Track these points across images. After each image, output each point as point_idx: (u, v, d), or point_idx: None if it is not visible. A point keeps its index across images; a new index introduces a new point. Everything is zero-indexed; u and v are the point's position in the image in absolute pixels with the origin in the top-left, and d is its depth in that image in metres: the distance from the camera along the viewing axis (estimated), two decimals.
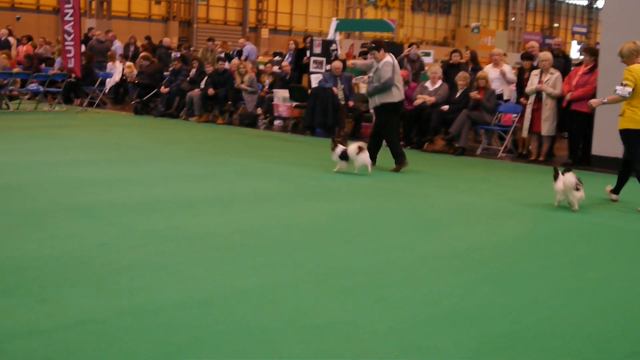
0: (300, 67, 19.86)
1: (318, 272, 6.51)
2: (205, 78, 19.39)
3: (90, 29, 27.36)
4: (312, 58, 18.96)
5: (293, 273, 6.44)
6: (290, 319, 5.33)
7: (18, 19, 53.38)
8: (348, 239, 7.88)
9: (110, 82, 22.84)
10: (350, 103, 17.34)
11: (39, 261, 6.40)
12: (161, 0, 60.23)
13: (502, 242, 8.08)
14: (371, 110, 14.26)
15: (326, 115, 17.04)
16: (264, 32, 58.77)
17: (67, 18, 21.00)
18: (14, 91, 20.34)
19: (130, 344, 4.77)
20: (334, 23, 22.22)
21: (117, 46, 26.48)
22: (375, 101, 12.71)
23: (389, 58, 12.59)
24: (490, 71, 16.09)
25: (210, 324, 5.16)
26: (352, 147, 11.84)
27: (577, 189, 9.70)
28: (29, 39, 27.09)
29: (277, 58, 24.62)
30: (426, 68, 18.94)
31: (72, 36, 20.96)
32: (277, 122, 18.88)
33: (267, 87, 19.38)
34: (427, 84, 16.23)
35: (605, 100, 10.54)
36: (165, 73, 21.16)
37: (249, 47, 23.66)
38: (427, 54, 25.86)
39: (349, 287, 6.11)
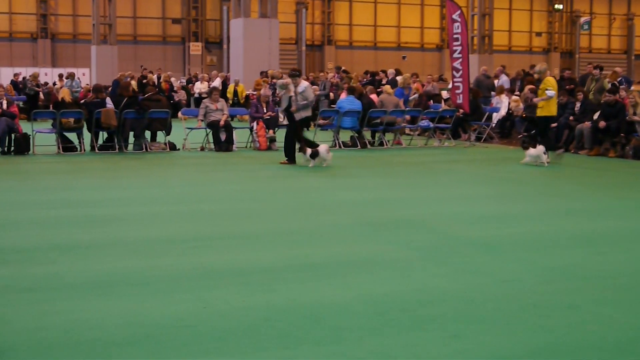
0: None
1: None
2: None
3: (483, 69, 27.63)
4: None
5: None
6: None
7: (404, 57, 55.89)
8: None
9: (497, 117, 23.02)
10: None
11: (447, 295, 6.50)
12: (542, 32, 59.81)
13: None
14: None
15: None
16: None
17: (455, 55, 21.50)
18: (406, 128, 21.20)
19: None
20: None
21: (504, 80, 26.61)
22: (301, 114, 16.26)
23: (307, 83, 17.10)
24: None
25: None
26: (323, 147, 15.81)
27: (545, 153, 15.77)
28: (416, 76, 28.18)
29: None
30: None
31: (460, 73, 21.41)
32: None
33: None
34: None
35: (545, 98, 16.28)
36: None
37: None
38: None
39: None
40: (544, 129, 16.88)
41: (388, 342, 5.40)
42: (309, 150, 15.66)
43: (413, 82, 26.05)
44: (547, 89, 16.22)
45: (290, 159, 16.26)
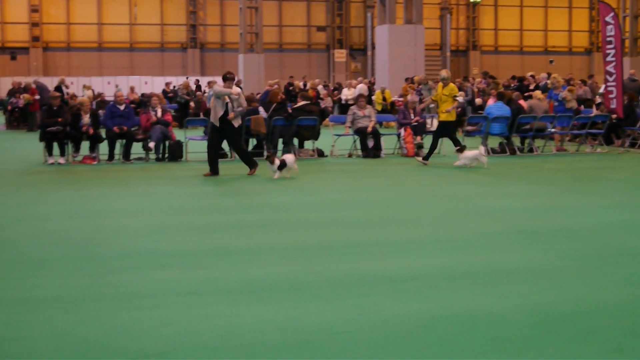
0: None
1: None
2: None
3: (631, 73, 26.66)
4: None
5: None
6: None
7: (551, 62, 54.76)
8: None
9: None
10: None
11: (607, 307, 6.30)
12: None
13: None
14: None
15: None
16: None
17: (609, 59, 20.89)
18: (555, 133, 20.73)
19: None
20: None
21: None
22: (239, 121, 15.65)
23: (238, 89, 15.78)
24: None
25: None
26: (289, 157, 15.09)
27: (484, 155, 16.50)
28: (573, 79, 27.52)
29: None
30: None
31: (614, 77, 20.77)
32: None
33: None
34: None
35: (455, 106, 17.13)
36: None
37: None
38: None
39: None
40: (447, 132, 17.31)
41: (549, 353, 5.29)
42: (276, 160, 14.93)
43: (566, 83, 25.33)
44: (455, 96, 17.07)
45: (252, 165, 15.64)
